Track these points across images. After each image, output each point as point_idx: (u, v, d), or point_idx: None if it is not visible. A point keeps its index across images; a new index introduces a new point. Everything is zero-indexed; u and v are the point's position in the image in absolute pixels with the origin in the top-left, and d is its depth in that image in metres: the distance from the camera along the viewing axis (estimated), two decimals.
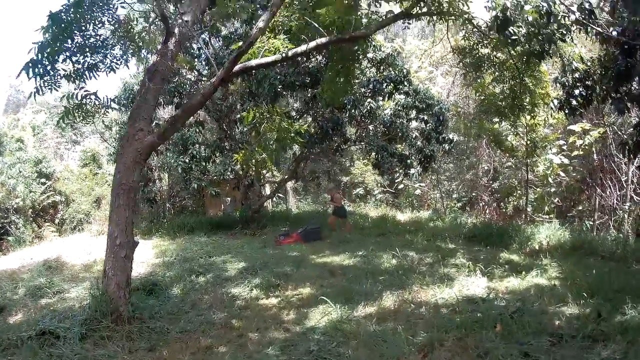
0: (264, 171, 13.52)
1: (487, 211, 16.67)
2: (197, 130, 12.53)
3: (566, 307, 5.31)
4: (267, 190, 17.10)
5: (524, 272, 6.94)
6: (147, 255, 9.84)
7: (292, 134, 6.16)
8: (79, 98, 5.82)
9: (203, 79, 12.18)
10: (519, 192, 15.37)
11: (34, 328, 5.17)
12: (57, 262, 9.68)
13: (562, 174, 14.25)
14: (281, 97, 12.23)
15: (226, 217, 14.40)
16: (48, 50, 5.18)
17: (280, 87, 11.09)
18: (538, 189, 14.74)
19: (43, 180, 16.08)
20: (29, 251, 11.77)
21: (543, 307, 5.40)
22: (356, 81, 12.73)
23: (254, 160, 6.10)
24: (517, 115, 10.85)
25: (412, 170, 13.63)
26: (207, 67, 12.48)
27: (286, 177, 14.49)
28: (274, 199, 19.09)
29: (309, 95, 12.77)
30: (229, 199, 16.43)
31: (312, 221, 11.50)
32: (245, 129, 12.49)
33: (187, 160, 11.66)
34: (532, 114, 11.21)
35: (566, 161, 13.96)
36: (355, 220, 13.96)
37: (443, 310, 5.56)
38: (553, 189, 14.55)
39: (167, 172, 13.17)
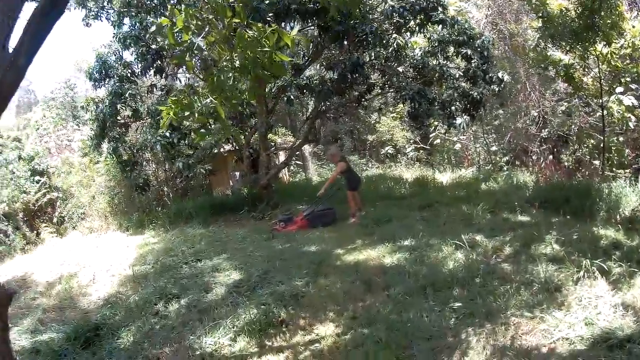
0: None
1: (543, 165, 13.41)
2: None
3: None
4: (282, 158, 14.23)
5: None
6: (124, 262, 7.21)
7: (271, 55, 2.83)
8: None
9: None
10: (586, 140, 11.95)
11: None
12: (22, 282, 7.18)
13: (633, 118, 10.82)
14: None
15: (233, 196, 11.64)
16: None
17: (271, 14, 7.90)
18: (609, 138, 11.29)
19: (37, 178, 13.78)
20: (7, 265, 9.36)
21: None
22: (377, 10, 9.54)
23: (192, 118, 3.13)
24: (591, 40, 7.73)
25: (459, 120, 10.46)
26: None
27: (299, 141, 11.50)
28: (292, 167, 16.26)
29: (315, 29, 9.53)
30: (237, 173, 13.63)
31: (323, 200, 8.53)
32: None
33: (167, 134, 8.85)
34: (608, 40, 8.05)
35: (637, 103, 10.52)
36: (389, 187, 11.01)
37: None
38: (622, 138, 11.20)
39: (149, 151, 10.34)
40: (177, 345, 4.06)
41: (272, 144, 13.73)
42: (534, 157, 13.81)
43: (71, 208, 13.16)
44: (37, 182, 13.53)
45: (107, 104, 9.58)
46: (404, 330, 3.68)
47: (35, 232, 12.80)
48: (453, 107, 10.03)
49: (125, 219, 10.99)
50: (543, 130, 13.38)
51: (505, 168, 12.80)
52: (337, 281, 5.06)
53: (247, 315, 4.24)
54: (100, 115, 9.86)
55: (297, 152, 14.35)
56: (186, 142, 9.25)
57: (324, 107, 10.97)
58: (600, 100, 10.04)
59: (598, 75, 9.74)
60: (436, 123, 15.35)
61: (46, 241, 12.06)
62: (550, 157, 13.40)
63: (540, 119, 13.44)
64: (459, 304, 3.99)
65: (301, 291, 4.82)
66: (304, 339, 3.89)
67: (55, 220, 13.47)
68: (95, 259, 7.67)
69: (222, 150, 12.75)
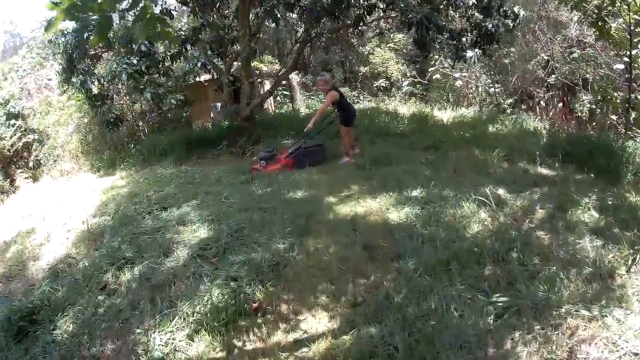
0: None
1: (552, 113, 12.16)
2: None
3: None
4: (268, 88, 12.74)
5: None
6: (85, 212, 6.08)
7: None
8: None
9: None
10: (605, 92, 10.56)
11: None
12: None
13: None
14: None
15: (213, 129, 10.32)
16: None
17: None
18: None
19: (13, 121, 12.22)
20: None
21: None
22: None
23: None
24: None
25: (469, 53, 9.06)
26: None
27: (285, 69, 10.02)
28: (278, 98, 14.82)
29: None
30: (219, 104, 12.20)
31: (312, 135, 7.25)
32: None
33: (134, 62, 7.36)
34: None
35: None
36: (386, 122, 9.79)
37: None
38: None
39: (120, 83, 8.76)
40: (120, 343, 3.02)
41: (257, 71, 12.21)
42: (541, 103, 12.56)
43: (47, 150, 11.78)
44: (13, 126, 12.06)
45: (72, 33, 8.00)
46: (426, 332, 2.66)
47: (9, 179, 11.55)
48: (464, 39, 8.59)
49: (97, 158, 9.74)
50: (550, 77, 12.05)
51: (508, 111, 11.58)
52: (331, 244, 3.99)
53: (211, 297, 3.18)
54: (67, 48, 8.31)
55: (284, 82, 12.88)
56: (158, 70, 7.75)
57: (314, 32, 9.45)
58: (629, 52, 8.63)
59: (628, 22, 8.27)
60: (437, 57, 13.88)
61: (21, 188, 10.86)
62: (560, 105, 12.15)
63: (550, 64, 12.06)
64: (498, 295, 2.94)
65: (284, 258, 3.75)
66: (286, 339, 2.85)
67: (31, 164, 12.16)
68: (57, 209, 6.59)
69: (200, 79, 11.26)
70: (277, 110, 13.82)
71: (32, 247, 5.30)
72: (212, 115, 12.50)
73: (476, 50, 9.11)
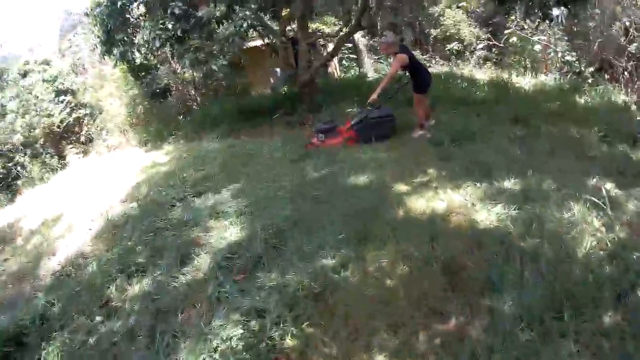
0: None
1: (637, 84, 9.89)
2: None
3: None
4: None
5: None
6: (115, 196, 5.37)
7: None
8: None
9: None
10: None
11: None
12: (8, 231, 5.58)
13: None
14: None
15: (271, 96, 9.29)
16: None
17: None
18: None
19: (62, 97, 11.98)
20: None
21: None
22: None
23: None
24: None
25: (555, 12, 7.25)
26: None
27: (348, 30, 8.66)
28: (344, 62, 13.53)
29: None
30: (278, 70, 11.15)
31: (379, 103, 5.97)
32: None
33: (169, 26, 6.44)
34: None
35: None
36: (463, 89, 8.26)
37: None
38: None
39: (154, 51, 7.83)
40: None
41: (319, 32, 10.96)
42: (625, 74, 10.28)
43: (98, 124, 11.44)
44: (62, 102, 11.82)
45: (106, 3, 7.22)
46: None
47: (60, 156, 11.37)
48: None
49: (145, 131, 9.12)
50: (630, 45, 9.78)
51: (589, 81, 9.59)
52: (398, 260, 2.86)
53: (221, 343, 2.20)
54: (103, 18, 7.56)
55: (350, 45, 11.55)
56: (200, 35, 6.76)
57: None
58: None
59: None
60: (512, 18, 11.87)
61: (70, 164, 10.58)
62: None
63: (632, 30, 9.76)
64: None
65: (331, 282, 2.69)
66: None
67: (82, 139, 11.91)
68: (89, 191, 5.94)
69: (257, 44, 10.20)
70: (342, 75, 12.57)
71: (52, 238, 4.65)
72: (272, 81, 11.53)
73: (562, 8, 7.29)
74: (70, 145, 11.49)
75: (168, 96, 8.77)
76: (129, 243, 3.68)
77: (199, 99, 9.67)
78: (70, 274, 3.56)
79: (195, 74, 9.35)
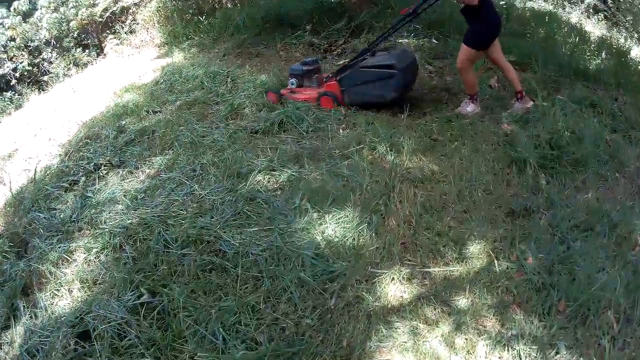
0: None
1: None
2: None
3: None
4: None
5: None
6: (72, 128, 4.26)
7: None
8: None
9: None
10: None
11: None
12: None
13: None
14: None
15: (307, 2, 7.14)
16: None
17: None
18: None
19: None
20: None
21: None
22: None
23: None
24: None
25: None
26: None
27: None
28: None
29: None
30: None
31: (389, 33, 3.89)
32: None
33: None
34: None
35: None
36: (569, 49, 5.38)
37: None
38: None
39: None
40: None
41: None
42: None
43: (146, 12, 9.94)
44: None
45: None
46: None
47: (98, 49, 10.26)
48: None
49: (165, 31, 7.61)
50: None
51: None
52: None
53: None
54: None
55: None
56: None
57: None
58: None
59: None
60: None
61: (108, 56, 9.47)
62: None
63: None
64: None
65: None
66: None
67: (125, 29, 10.57)
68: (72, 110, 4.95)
69: None
70: None
71: None
72: None
73: None
74: (112, 36, 10.44)
75: None
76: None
77: None
78: None
79: None
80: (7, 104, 7.87)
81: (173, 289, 2.07)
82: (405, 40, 5.23)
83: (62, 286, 2.33)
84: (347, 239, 2.24)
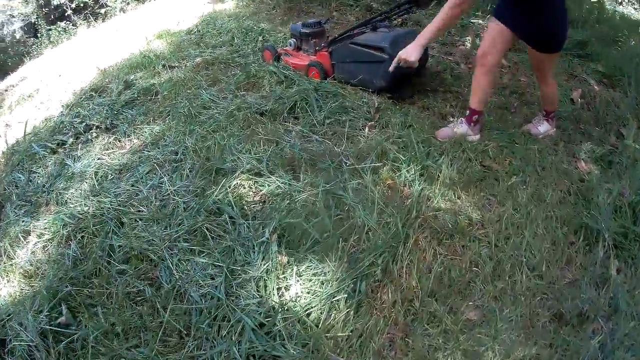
0: None
1: None
2: None
3: None
4: None
5: None
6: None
7: None
8: None
9: None
10: None
11: None
12: None
13: None
14: None
15: None
16: None
17: None
18: None
19: None
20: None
21: None
22: None
23: None
24: None
25: None
26: None
27: None
28: None
29: None
30: None
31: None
32: None
33: None
34: None
35: None
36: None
37: None
38: None
39: None
40: None
41: None
42: None
43: None
44: None
45: None
46: None
47: None
48: None
49: None
50: None
51: None
52: None
53: None
54: None
55: None
56: None
57: None
58: None
59: None
60: None
61: None
62: None
63: None
64: None
65: None
66: None
67: None
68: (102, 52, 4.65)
69: None
70: None
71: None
72: None
73: None
74: None
75: None
76: None
77: None
78: None
79: None
80: (61, 34, 7.81)
81: (98, 315, 1.70)
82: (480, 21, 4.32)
83: (6, 273, 2.06)
84: (313, 311, 1.61)
